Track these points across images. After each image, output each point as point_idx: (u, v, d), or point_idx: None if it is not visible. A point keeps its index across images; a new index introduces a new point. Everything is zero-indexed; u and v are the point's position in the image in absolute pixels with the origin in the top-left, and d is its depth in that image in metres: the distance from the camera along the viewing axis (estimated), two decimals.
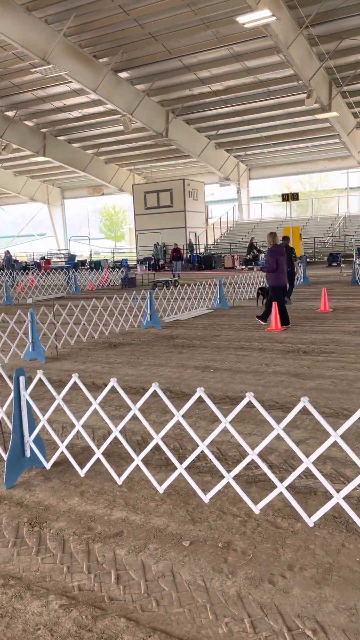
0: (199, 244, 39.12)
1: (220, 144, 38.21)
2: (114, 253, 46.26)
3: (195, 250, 37.71)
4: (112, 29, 23.47)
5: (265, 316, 10.76)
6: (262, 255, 28.21)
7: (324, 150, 38.94)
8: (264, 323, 10.69)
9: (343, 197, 41.68)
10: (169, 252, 35.89)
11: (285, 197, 28.55)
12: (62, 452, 4.11)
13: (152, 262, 35.72)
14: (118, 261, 39.89)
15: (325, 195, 49.10)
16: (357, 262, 20.51)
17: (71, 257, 43.01)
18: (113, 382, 3.72)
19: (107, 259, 42.04)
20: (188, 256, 35.66)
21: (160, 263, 36.41)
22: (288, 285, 14.09)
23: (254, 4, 19.16)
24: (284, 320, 10.37)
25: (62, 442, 4.09)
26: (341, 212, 39.75)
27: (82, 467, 4.04)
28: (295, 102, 29.62)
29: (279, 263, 10.16)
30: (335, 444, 3.25)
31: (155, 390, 3.60)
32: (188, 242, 37.71)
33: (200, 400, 3.70)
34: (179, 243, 35.53)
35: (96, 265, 35.01)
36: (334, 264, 30.13)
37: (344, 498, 3.14)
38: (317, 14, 20.93)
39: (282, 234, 27.62)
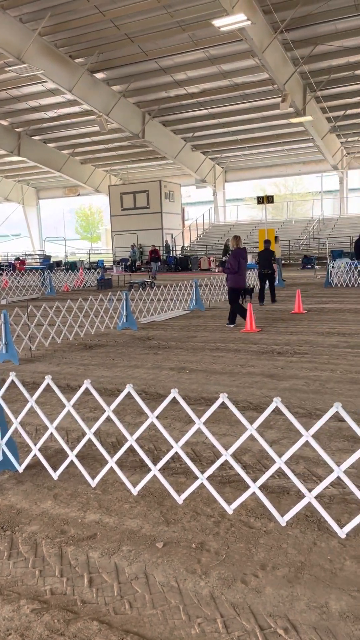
0: (175, 246, 39.17)
1: (196, 146, 38.35)
2: (89, 254, 45.98)
3: (171, 252, 37.74)
4: (87, 30, 23.36)
5: (232, 318, 10.91)
6: None
7: (299, 153, 39.43)
8: (231, 326, 10.80)
9: (317, 200, 42.27)
10: (147, 253, 35.83)
11: (261, 200, 28.79)
12: (35, 455, 4.06)
13: (129, 263, 35.62)
14: (94, 262, 39.66)
15: (300, 198, 49.76)
16: (331, 265, 20.81)
17: (46, 258, 42.60)
18: (87, 384, 3.70)
19: (83, 260, 41.75)
20: (165, 257, 35.66)
21: (136, 264, 36.33)
22: (268, 286, 14.46)
23: (230, 8, 19.31)
24: (232, 319, 10.79)
25: (35, 444, 4.05)
26: (315, 215, 40.30)
27: (55, 469, 4.01)
28: (271, 106, 29.93)
29: (240, 265, 10.40)
30: (307, 443, 3.29)
31: (130, 392, 3.59)
32: (164, 243, 37.71)
33: (175, 401, 3.70)
34: (155, 244, 35.52)
35: (72, 266, 34.73)
36: (308, 266, 30.50)
37: (315, 497, 3.18)
38: (292, 19, 21.18)
39: (258, 236, 27.86)
